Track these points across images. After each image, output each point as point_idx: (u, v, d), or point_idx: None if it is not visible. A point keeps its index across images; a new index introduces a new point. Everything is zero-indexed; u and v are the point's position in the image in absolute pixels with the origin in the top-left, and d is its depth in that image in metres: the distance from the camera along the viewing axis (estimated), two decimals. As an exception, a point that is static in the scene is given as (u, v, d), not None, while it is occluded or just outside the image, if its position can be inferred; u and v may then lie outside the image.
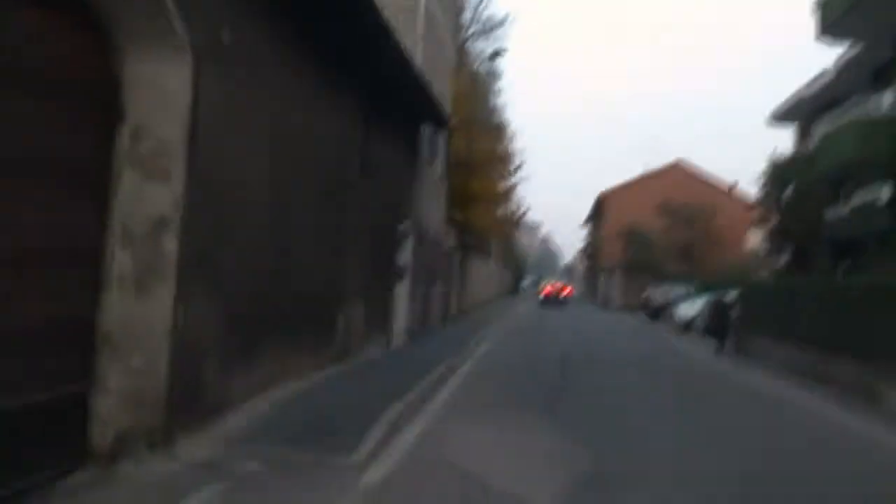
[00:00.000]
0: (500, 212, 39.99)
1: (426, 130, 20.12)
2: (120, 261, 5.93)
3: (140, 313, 5.97)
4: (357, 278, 13.00)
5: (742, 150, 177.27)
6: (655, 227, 54.07)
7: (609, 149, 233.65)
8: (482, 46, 36.86)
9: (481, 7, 36.85)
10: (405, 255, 17.88)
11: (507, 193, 39.60)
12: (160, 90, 6.01)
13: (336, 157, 11.50)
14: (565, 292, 60.59)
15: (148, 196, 5.99)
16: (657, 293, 42.37)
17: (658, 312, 39.28)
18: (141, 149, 5.97)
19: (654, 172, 64.68)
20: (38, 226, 5.22)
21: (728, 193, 59.28)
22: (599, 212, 70.96)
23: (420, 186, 19.55)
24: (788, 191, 30.43)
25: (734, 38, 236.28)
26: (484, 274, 47.89)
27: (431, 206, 22.44)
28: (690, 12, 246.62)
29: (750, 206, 37.32)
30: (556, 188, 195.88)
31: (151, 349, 6.03)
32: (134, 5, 5.75)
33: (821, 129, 28.61)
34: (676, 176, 61.88)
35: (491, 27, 37.10)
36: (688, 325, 30.52)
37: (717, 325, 23.63)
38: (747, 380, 16.58)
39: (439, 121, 19.70)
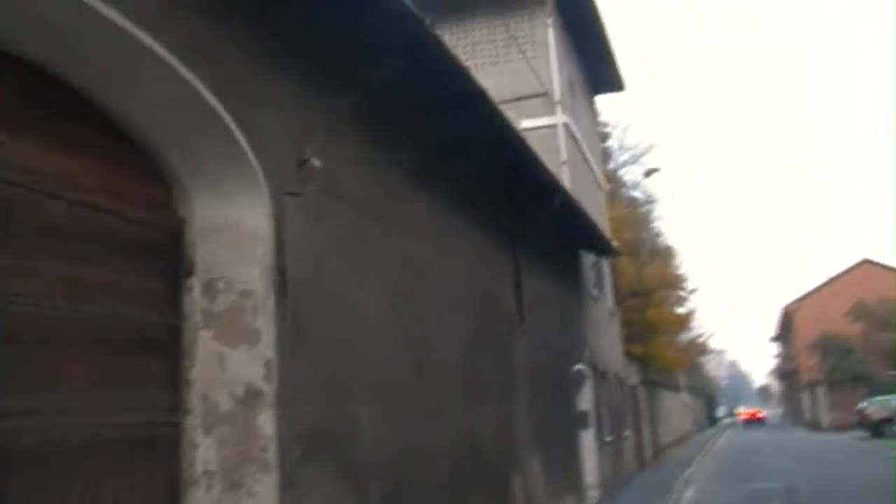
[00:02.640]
0: (681, 340, 37.99)
1: (588, 261, 18.76)
2: (205, 449, 4.68)
3: (236, 517, 4.65)
4: (530, 431, 11.36)
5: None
6: (851, 333, 49.50)
7: (779, 258, 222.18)
8: (634, 172, 35.99)
9: (625, 135, 36.19)
10: (585, 399, 16.14)
11: (685, 320, 37.74)
12: (234, 235, 4.88)
13: (486, 294, 10.15)
14: (760, 415, 79.45)
15: (232, 364, 4.77)
16: (875, 406, 37.82)
17: (880, 427, 35.18)
18: (217, 306, 4.81)
19: (841, 275, 59.66)
20: (100, 411, 4.11)
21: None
22: (787, 326, 66.11)
23: (589, 321, 17.97)
24: None
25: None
26: (675, 408, 44.86)
27: (606, 342, 20.75)
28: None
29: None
30: (731, 306, 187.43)
31: (256, 562, 4.65)
32: (195, 140, 4.74)
33: None
34: (865, 274, 56.21)
35: (639, 154, 36.33)
36: None
37: None
38: None
39: (600, 248, 18.35)
